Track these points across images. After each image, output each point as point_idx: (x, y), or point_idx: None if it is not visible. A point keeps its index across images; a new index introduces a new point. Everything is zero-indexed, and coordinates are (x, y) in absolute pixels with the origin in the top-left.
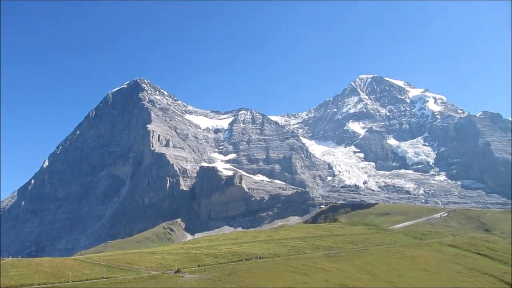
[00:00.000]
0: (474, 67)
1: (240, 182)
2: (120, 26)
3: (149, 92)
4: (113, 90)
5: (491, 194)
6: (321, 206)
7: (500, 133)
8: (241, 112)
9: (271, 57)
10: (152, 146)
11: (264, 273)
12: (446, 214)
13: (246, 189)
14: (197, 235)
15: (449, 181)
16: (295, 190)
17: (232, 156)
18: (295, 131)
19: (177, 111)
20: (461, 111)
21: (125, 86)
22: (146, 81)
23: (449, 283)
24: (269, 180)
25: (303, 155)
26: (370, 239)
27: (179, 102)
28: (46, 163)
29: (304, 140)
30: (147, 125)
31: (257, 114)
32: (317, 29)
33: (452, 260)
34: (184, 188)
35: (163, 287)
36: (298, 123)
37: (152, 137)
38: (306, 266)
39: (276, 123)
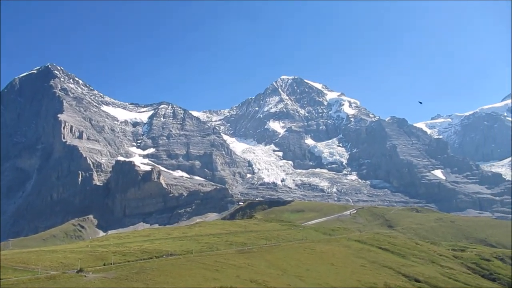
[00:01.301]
0: (386, 75)
1: (158, 178)
2: (35, 9)
3: (62, 79)
4: (21, 75)
5: (396, 193)
6: (240, 203)
7: (405, 137)
8: (162, 106)
9: (194, 52)
10: (64, 138)
11: (174, 271)
12: (355, 211)
13: (164, 185)
14: (111, 232)
15: (360, 180)
16: (215, 187)
17: (150, 150)
18: (216, 127)
19: (92, 102)
20: (372, 116)
21: (35, 71)
22: (58, 68)
23: (353, 275)
24: (188, 176)
25: (223, 152)
26: (283, 235)
27: (95, 92)
28: None
29: (225, 137)
30: (59, 115)
31: (179, 109)
32: (242, 28)
33: (357, 254)
34: (98, 183)
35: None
36: (220, 119)
37: (64, 128)
38: (218, 263)
39: (197, 119)
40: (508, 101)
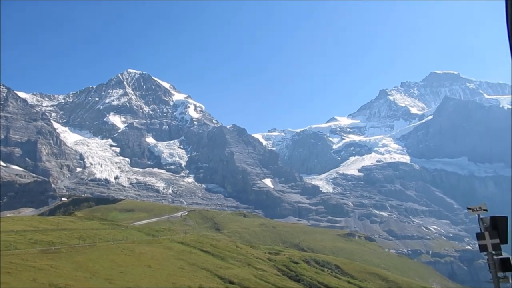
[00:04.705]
0: (230, 84)
1: None
2: None
3: None
4: None
5: (228, 198)
6: (62, 198)
7: (242, 145)
8: None
9: (27, 27)
10: None
11: None
12: (186, 213)
13: None
14: None
15: (196, 183)
16: (35, 179)
17: None
18: (47, 113)
19: None
20: (215, 122)
21: None
22: None
23: (169, 278)
24: (4, 165)
25: (51, 141)
26: (101, 234)
27: None
28: None
29: (56, 125)
30: None
31: (1, 87)
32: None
33: (177, 256)
34: None
35: None
36: (52, 105)
37: None
38: (12, 264)
39: (24, 100)
40: (331, 123)
